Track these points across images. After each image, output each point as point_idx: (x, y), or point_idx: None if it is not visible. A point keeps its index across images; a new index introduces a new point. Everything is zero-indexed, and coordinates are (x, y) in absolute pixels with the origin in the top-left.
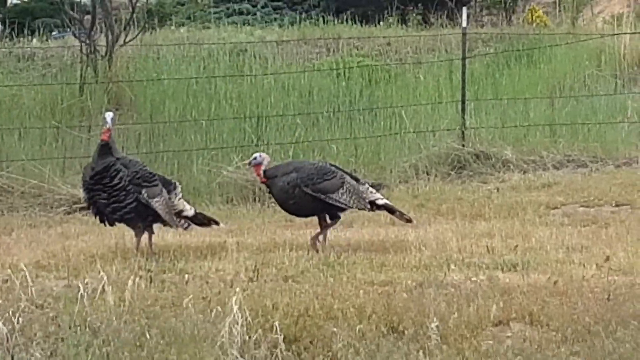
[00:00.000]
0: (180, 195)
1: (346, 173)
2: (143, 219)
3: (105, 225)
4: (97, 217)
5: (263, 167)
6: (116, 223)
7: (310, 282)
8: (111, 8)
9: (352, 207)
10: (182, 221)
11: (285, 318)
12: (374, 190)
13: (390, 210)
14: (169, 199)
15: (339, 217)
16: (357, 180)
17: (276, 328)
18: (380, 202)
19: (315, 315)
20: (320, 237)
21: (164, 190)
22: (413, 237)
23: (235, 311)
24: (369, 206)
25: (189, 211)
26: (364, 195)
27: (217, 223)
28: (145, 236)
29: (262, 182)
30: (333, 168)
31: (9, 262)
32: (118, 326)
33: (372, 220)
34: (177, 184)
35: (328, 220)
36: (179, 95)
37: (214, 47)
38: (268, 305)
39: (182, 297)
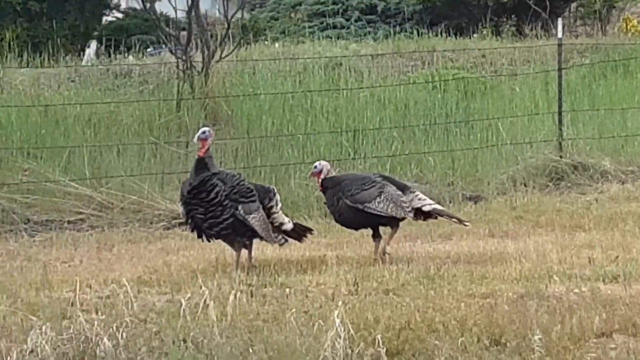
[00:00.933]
0: (280, 205)
1: (396, 183)
2: (240, 235)
3: (202, 240)
4: (195, 232)
5: (322, 176)
6: (213, 239)
7: (410, 295)
8: (207, 24)
9: (391, 214)
10: (280, 236)
11: (387, 331)
12: (423, 197)
13: (440, 214)
14: (270, 207)
15: (398, 226)
16: (404, 189)
17: (378, 341)
18: (427, 208)
19: (417, 328)
20: (387, 248)
21: (260, 207)
22: (512, 249)
23: (337, 325)
24: (410, 214)
25: (288, 224)
26: (405, 204)
27: (311, 231)
28: (244, 250)
29: (320, 190)
30: (377, 178)
31: (111, 278)
32: (221, 341)
33: (471, 232)
34: (275, 190)
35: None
36: (276, 110)
37: (309, 62)
38: (370, 319)
39: (284, 311)
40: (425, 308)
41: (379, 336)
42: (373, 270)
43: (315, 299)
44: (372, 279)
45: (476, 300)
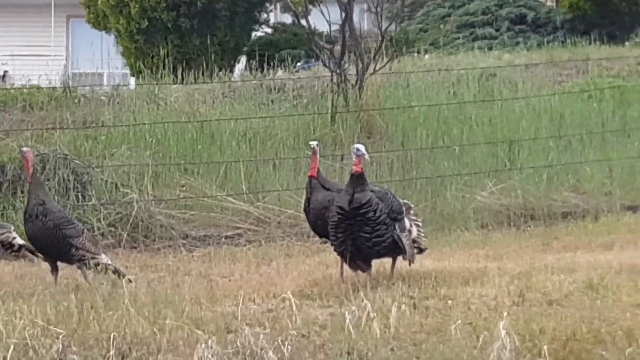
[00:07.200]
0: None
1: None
2: (390, 253)
3: (345, 260)
4: (342, 249)
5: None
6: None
7: (575, 306)
8: (360, 37)
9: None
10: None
11: (552, 342)
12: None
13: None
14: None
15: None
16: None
17: (544, 353)
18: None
19: (583, 339)
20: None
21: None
22: None
23: (502, 336)
24: None
25: (413, 229)
26: None
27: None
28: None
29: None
30: None
31: (273, 292)
32: (386, 353)
33: (632, 242)
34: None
35: None
36: (430, 122)
37: (462, 73)
38: (535, 330)
39: (448, 323)
40: (590, 319)
41: (545, 347)
42: (535, 281)
43: (479, 310)
44: (535, 290)
45: None
